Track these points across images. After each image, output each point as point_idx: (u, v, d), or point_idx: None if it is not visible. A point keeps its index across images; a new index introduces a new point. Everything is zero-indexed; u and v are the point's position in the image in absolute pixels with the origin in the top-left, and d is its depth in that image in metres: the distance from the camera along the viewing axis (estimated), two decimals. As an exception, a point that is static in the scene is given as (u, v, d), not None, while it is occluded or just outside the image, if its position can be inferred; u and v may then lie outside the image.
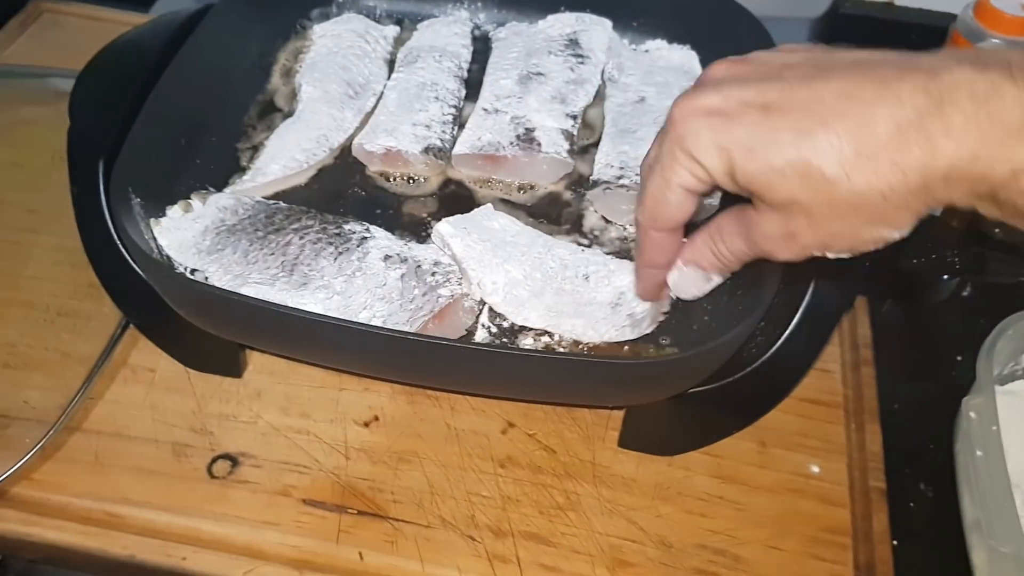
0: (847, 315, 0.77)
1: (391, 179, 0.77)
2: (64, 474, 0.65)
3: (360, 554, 0.62)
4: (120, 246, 0.66)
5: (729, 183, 0.49)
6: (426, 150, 0.75)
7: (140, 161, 0.68)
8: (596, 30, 0.86)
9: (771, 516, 0.66)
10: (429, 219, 0.74)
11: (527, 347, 0.65)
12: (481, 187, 0.77)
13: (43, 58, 1.00)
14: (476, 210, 0.72)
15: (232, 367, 0.71)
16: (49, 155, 0.86)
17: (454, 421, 0.69)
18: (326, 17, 0.89)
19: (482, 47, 0.88)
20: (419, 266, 0.67)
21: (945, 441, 0.76)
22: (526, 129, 0.77)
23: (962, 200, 0.45)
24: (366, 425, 0.69)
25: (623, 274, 0.67)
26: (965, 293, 0.84)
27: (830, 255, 0.50)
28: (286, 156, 0.75)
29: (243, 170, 0.75)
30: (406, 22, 0.90)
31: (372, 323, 0.63)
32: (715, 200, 0.67)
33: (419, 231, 0.72)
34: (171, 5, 1.18)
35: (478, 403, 0.71)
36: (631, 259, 0.69)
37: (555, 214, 0.74)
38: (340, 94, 0.80)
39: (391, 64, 0.85)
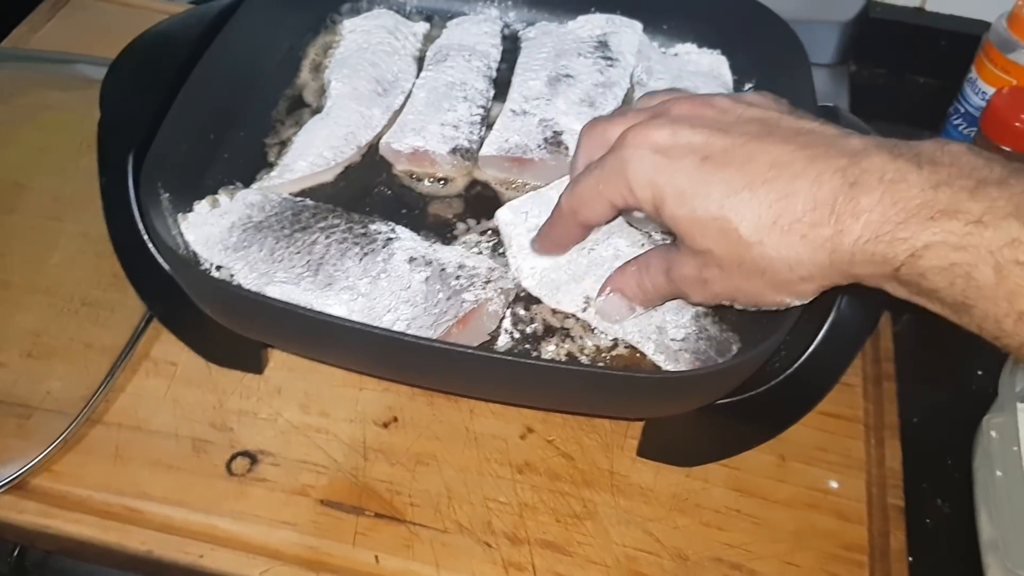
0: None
1: (417, 178, 0.77)
2: (84, 466, 0.66)
3: (376, 557, 0.62)
4: (147, 240, 0.66)
5: (656, 217, 0.52)
6: (454, 151, 0.75)
7: (170, 155, 0.68)
8: (626, 32, 0.86)
9: (788, 531, 0.66)
10: (455, 220, 0.74)
11: (548, 354, 0.65)
12: (507, 189, 0.76)
13: (73, 42, 1.00)
14: (558, 181, 0.72)
15: (253, 363, 0.72)
16: (77, 142, 0.86)
17: (473, 424, 0.69)
18: (356, 12, 0.89)
19: (511, 46, 0.87)
20: (443, 269, 0.67)
21: (964, 456, 0.76)
22: (554, 132, 0.76)
23: (868, 279, 0.48)
24: (385, 426, 0.69)
25: None
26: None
27: (737, 306, 0.54)
28: (314, 153, 0.75)
29: (270, 166, 0.75)
30: (436, 19, 0.90)
31: (396, 326, 0.63)
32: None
33: (444, 232, 0.72)
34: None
35: (497, 407, 0.71)
36: None
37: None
38: (369, 91, 0.80)
39: (420, 61, 0.85)
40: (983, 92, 0.94)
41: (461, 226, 0.73)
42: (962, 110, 0.97)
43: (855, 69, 1.19)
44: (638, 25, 0.86)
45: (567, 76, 0.81)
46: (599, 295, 0.63)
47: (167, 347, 0.73)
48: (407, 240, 0.69)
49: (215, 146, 0.75)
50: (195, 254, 0.68)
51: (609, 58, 0.83)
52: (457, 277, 0.66)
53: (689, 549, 0.64)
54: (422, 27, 0.88)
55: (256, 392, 0.71)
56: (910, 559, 0.66)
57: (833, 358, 0.64)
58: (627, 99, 0.82)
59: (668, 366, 0.64)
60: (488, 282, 0.66)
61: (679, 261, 0.54)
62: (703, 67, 0.85)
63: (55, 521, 0.63)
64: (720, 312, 0.67)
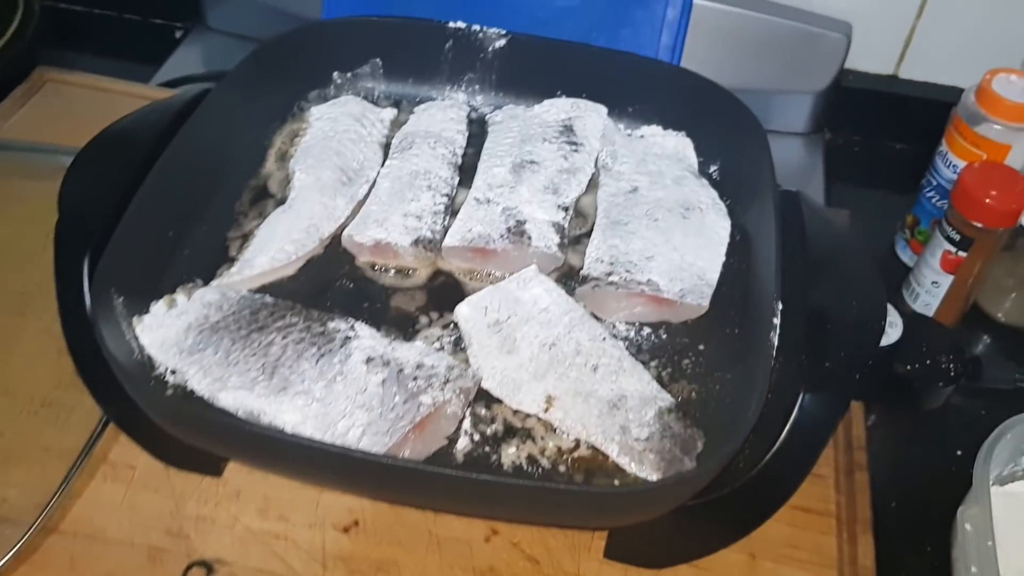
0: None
1: (381, 270, 0.76)
2: (38, 579, 0.64)
3: (333, 672, 0.61)
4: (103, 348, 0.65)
5: None
6: (416, 242, 0.75)
7: (125, 259, 0.67)
8: (591, 116, 0.86)
9: (760, 634, 0.64)
10: (417, 313, 0.73)
11: (509, 457, 0.64)
12: (471, 279, 0.76)
13: (46, 129, 1.00)
14: (518, 273, 0.72)
15: (211, 465, 0.71)
16: (43, 234, 0.85)
17: (436, 527, 0.68)
18: (324, 99, 0.89)
19: (478, 130, 0.87)
20: (401, 370, 0.66)
21: (944, 543, 0.74)
22: (517, 221, 0.76)
23: None
24: (345, 531, 0.67)
25: (632, 377, 0.66)
26: (958, 401, 0.83)
27: None
28: (275, 247, 0.74)
29: (231, 261, 0.75)
30: (404, 104, 0.90)
31: (350, 433, 0.62)
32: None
33: (406, 327, 0.72)
34: (174, 71, 1.21)
35: (461, 507, 0.69)
36: (653, 362, 0.70)
37: (545, 310, 0.73)
38: (333, 181, 0.79)
39: (387, 148, 0.85)
40: (954, 165, 0.93)
41: (423, 319, 0.73)
42: (934, 183, 0.96)
43: (830, 136, 1.19)
44: (603, 109, 0.86)
45: (532, 162, 0.81)
46: None
47: (125, 449, 0.72)
48: (366, 339, 0.68)
49: (175, 243, 0.74)
50: (150, 358, 0.67)
51: (574, 143, 0.83)
52: (415, 378, 0.65)
53: (657, 655, 0.63)
54: (389, 113, 0.88)
55: (214, 496, 0.69)
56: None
57: (800, 454, 0.63)
58: (592, 183, 0.82)
59: (632, 468, 0.63)
60: (447, 382, 0.65)
61: None
62: (668, 149, 0.85)
63: (6, 638, 0.62)
64: (684, 408, 0.66)
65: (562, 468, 0.64)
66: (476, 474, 0.58)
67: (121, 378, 0.61)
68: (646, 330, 0.72)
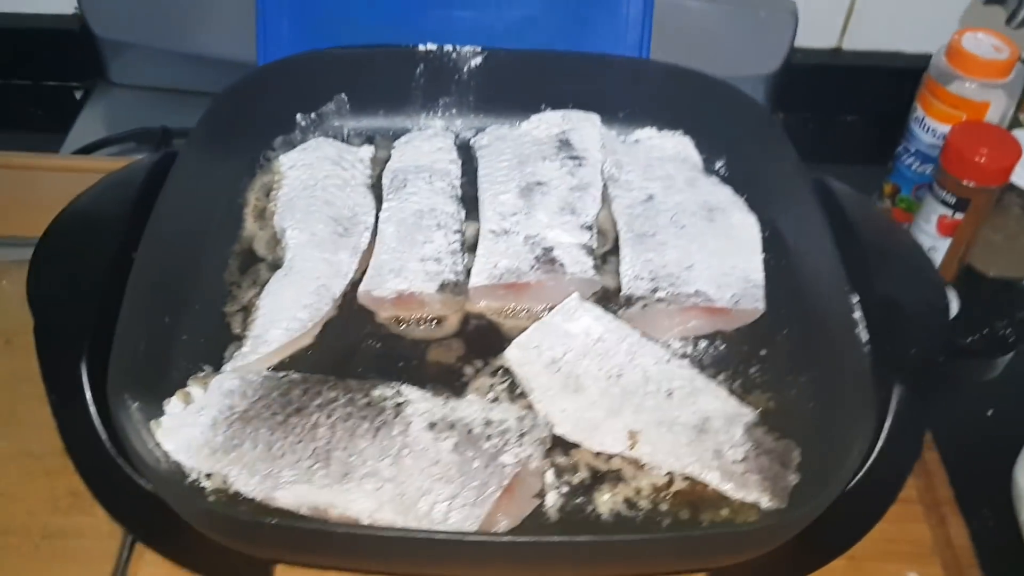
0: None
1: (405, 323, 0.69)
2: None
3: None
4: (120, 463, 0.56)
5: None
6: (442, 287, 0.68)
7: (132, 358, 0.59)
8: (585, 127, 0.81)
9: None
10: (459, 364, 0.67)
11: (604, 505, 0.59)
12: (506, 318, 0.70)
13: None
14: (561, 305, 0.67)
15: (260, 572, 0.62)
16: (-8, 340, 0.75)
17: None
18: (291, 145, 0.81)
19: (465, 156, 0.81)
20: (470, 431, 0.59)
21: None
22: (543, 249, 0.71)
23: None
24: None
25: (709, 396, 0.62)
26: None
27: None
28: (286, 317, 0.66)
29: (238, 339, 0.67)
30: (378, 139, 0.83)
31: (435, 511, 0.55)
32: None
33: (453, 381, 0.65)
34: (85, 135, 1.09)
35: None
36: (720, 375, 0.66)
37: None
38: (329, 233, 0.72)
39: (374, 189, 0.78)
40: (933, 129, 0.93)
41: (468, 370, 0.66)
42: (912, 149, 0.96)
43: (783, 117, 1.18)
44: (596, 117, 0.82)
45: (538, 184, 0.76)
46: None
47: (155, 570, 0.62)
48: (419, 402, 0.61)
49: (172, 330, 0.66)
50: (178, 465, 0.59)
51: (576, 157, 0.78)
52: (488, 437, 0.59)
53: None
54: (367, 151, 0.81)
55: (270, 605, 0.61)
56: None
57: (902, 452, 0.60)
58: (603, 198, 0.77)
59: (739, 494, 0.59)
60: (523, 435, 0.59)
61: None
62: (669, 151, 0.82)
63: None
64: (767, 421, 0.63)
65: (664, 507, 0.59)
66: (626, 536, 0.53)
67: (169, 494, 0.52)
68: (702, 343, 0.68)
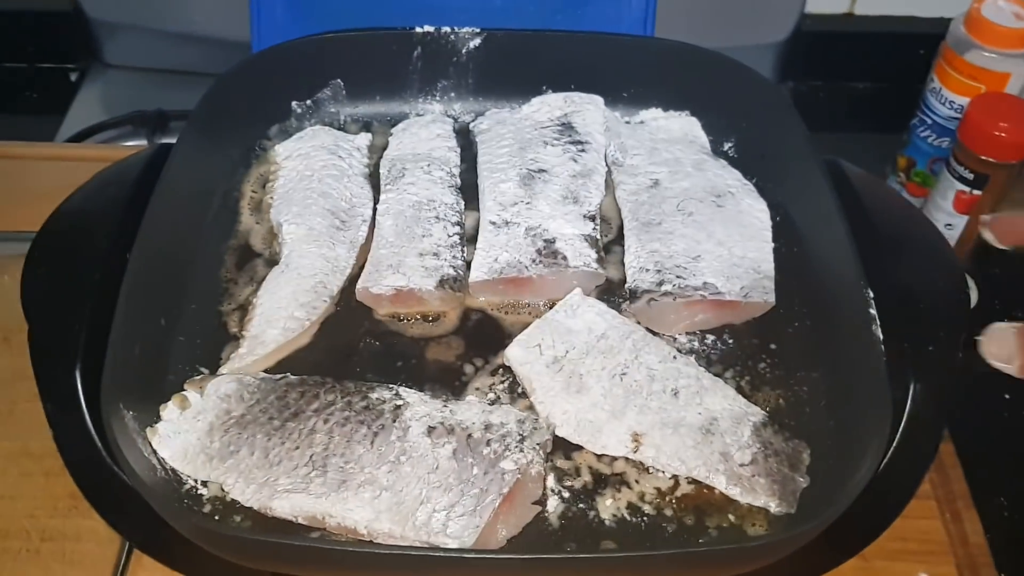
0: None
1: (405, 320, 0.68)
2: None
3: None
4: (115, 468, 0.56)
5: None
6: (441, 283, 0.67)
7: (127, 365, 0.58)
8: (588, 109, 0.79)
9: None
10: (459, 363, 0.65)
11: (607, 511, 0.57)
12: (507, 313, 0.68)
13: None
14: (563, 300, 0.65)
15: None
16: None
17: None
18: (286, 134, 0.79)
19: (464, 142, 0.79)
20: (470, 435, 0.58)
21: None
22: (545, 241, 0.69)
23: None
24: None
25: (716, 395, 0.60)
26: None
27: None
28: (283, 316, 0.65)
29: (235, 339, 0.65)
30: (375, 125, 0.81)
31: (434, 520, 0.54)
32: None
33: (452, 381, 0.64)
34: (81, 119, 1.07)
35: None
36: (728, 372, 0.64)
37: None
38: (327, 227, 0.70)
39: (372, 178, 0.76)
40: (950, 101, 0.90)
41: (468, 368, 0.65)
42: (928, 121, 0.93)
43: (793, 85, 1.15)
44: (599, 99, 0.79)
45: (540, 171, 0.74)
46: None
47: (154, 574, 0.62)
48: (417, 405, 0.60)
49: (167, 333, 0.64)
50: (174, 472, 0.58)
51: (579, 142, 0.76)
52: (488, 442, 0.58)
53: None
54: (364, 139, 0.79)
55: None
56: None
57: (919, 451, 0.58)
58: (607, 184, 0.75)
59: (746, 498, 0.57)
60: (523, 439, 0.58)
61: None
62: (675, 132, 0.79)
63: None
64: (777, 418, 0.61)
65: (668, 512, 0.58)
66: (624, 553, 0.52)
67: (161, 510, 0.52)
68: (710, 338, 0.66)
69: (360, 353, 0.66)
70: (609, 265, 0.71)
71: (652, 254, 0.68)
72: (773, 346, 0.66)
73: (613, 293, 0.69)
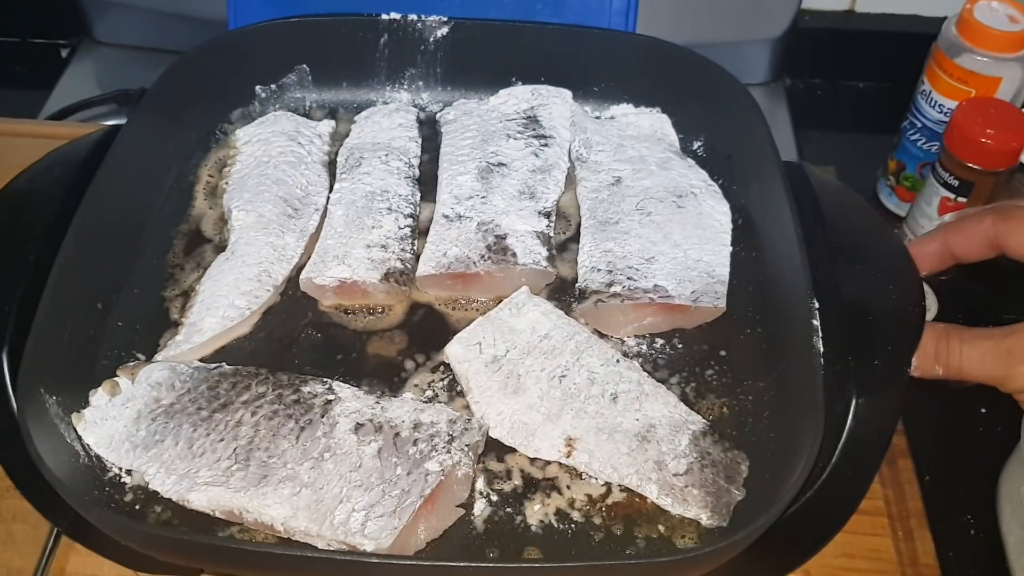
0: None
1: (349, 312, 0.66)
2: None
3: None
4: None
5: None
6: (386, 276, 0.65)
7: (51, 349, 0.57)
8: (556, 103, 0.77)
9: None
10: (400, 358, 0.64)
11: (535, 516, 0.56)
12: (454, 309, 0.67)
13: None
14: (509, 299, 0.64)
15: (189, 568, 0.61)
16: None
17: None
18: (249, 118, 0.78)
19: (430, 132, 0.78)
20: (398, 434, 0.57)
21: (985, 513, 0.69)
22: (496, 237, 0.67)
23: None
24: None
25: (656, 402, 0.59)
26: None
27: None
28: (224, 304, 0.64)
29: (175, 325, 0.64)
30: (341, 112, 0.80)
31: (352, 520, 0.53)
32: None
33: (391, 376, 0.63)
34: (67, 96, 1.07)
35: None
36: (673, 378, 0.63)
37: (542, 334, 0.65)
38: (278, 215, 0.69)
39: (331, 167, 0.75)
40: (940, 104, 0.87)
41: (409, 364, 0.64)
42: (919, 124, 0.90)
43: (789, 83, 1.12)
44: (567, 93, 0.77)
45: (499, 165, 0.72)
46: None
47: (86, 559, 0.62)
48: (349, 400, 0.59)
49: (104, 316, 0.64)
50: (99, 459, 0.57)
51: (542, 136, 0.74)
52: (415, 442, 0.56)
53: None
54: (327, 126, 0.77)
55: (198, 600, 0.60)
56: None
57: (859, 467, 0.56)
58: (568, 178, 0.73)
59: (677, 509, 0.55)
60: (452, 440, 0.56)
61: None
62: (644, 129, 0.77)
63: None
64: (719, 428, 0.59)
65: (597, 520, 0.56)
66: (530, 564, 0.50)
67: (70, 500, 0.51)
68: (659, 342, 0.65)
69: (300, 344, 0.65)
70: (564, 263, 0.69)
71: (605, 254, 0.66)
72: (723, 353, 0.64)
73: (565, 292, 0.68)
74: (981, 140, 0.79)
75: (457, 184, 0.71)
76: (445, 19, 0.77)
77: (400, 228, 0.68)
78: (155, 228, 0.70)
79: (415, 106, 0.79)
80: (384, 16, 0.77)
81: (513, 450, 0.59)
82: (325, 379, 0.60)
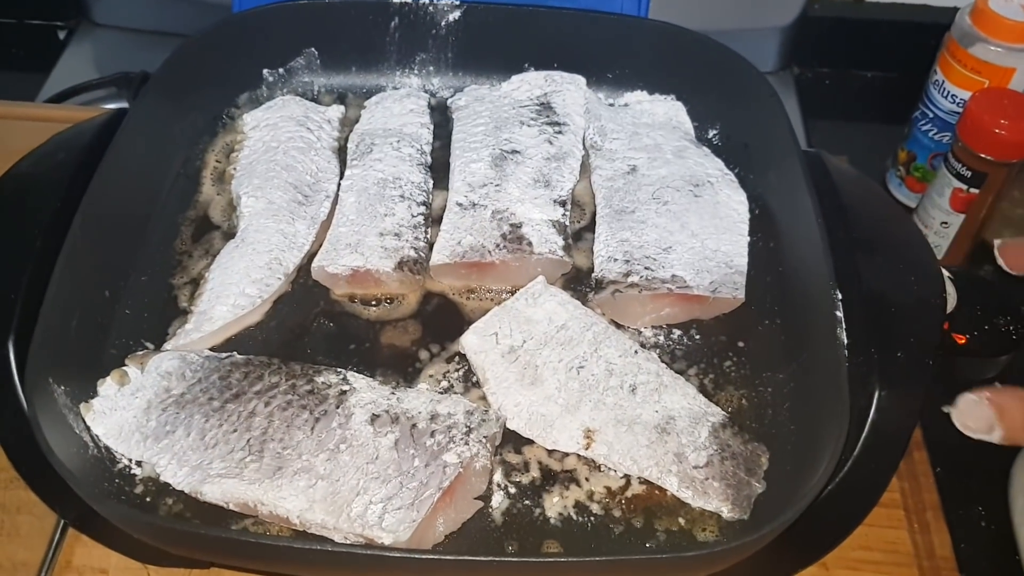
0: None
1: (362, 301, 0.65)
2: None
3: None
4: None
5: None
6: (400, 265, 0.64)
7: (59, 338, 0.56)
8: (569, 90, 0.76)
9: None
10: (414, 348, 0.63)
11: (553, 508, 0.55)
12: (468, 298, 0.66)
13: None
14: (525, 288, 0.63)
15: (198, 561, 0.60)
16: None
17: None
18: (256, 102, 0.76)
19: (441, 118, 0.76)
20: (414, 425, 0.56)
21: (998, 505, 0.69)
22: (511, 226, 0.66)
23: None
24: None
25: (675, 393, 0.58)
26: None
27: None
28: (234, 292, 0.63)
29: (184, 314, 0.63)
30: (350, 97, 0.78)
31: (369, 512, 0.52)
32: None
33: (405, 367, 0.62)
34: (65, 79, 1.05)
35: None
36: (692, 369, 0.62)
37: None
38: (287, 202, 0.68)
39: (341, 152, 0.73)
40: (952, 95, 0.86)
41: (423, 355, 0.63)
42: (930, 114, 0.89)
43: (798, 72, 1.11)
44: (581, 80, 0.76)
45: (513, 152, 0.71)
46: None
47: (92, 551, 0.60)
48: (364, 391, 0.58)
49: (112, 305, 0.62)
50: (108, 450, 0.56)
51: (556, 123, 0.73)
52: (432, 433, 0.55)
53: None
54: (336, 111, 0.76)
55: (206, 593, 0.59)
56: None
57: (881, 460, 0.56)
58: (583, 166, 0.72)
59: (697, 502, 0.55)
60: (469, 431, 0.56)
61: None
62: (659, 117, 0.76)
63: None
64: (737, 420, 0.58)
65: (617, 512, 0.55)
66: (549, 559, 0.50)
67: (81, 493, 0.50)
68: (676, 332, 0.64)
69: (312, 334, 0.63)
70: (579, 253, 0.68)
71: (622, 243, 0.66)
72: (741, 344, 0.63)
73: (580, 282, 0.67)
74: (995, 131, 0.78)
75: (470, 171, 0.70)
76: (458, 3, 0.75)
77: (413, 216, 0.67)
78: (162, 214, 0.69)
79: (425, 91, 0.78)
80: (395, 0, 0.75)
81: (530, 442, 0.58)
82: (339, 369, 0.59)
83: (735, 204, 0.68)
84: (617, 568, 0.48)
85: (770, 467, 0.57)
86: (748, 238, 0.67)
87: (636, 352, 0.61)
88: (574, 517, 0.55)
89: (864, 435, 0.54)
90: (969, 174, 0.81)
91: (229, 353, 0.60)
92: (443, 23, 0.76)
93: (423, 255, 0.65)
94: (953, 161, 0.82)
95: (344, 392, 0.58)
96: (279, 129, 0.73)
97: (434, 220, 0.69)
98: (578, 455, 0.57)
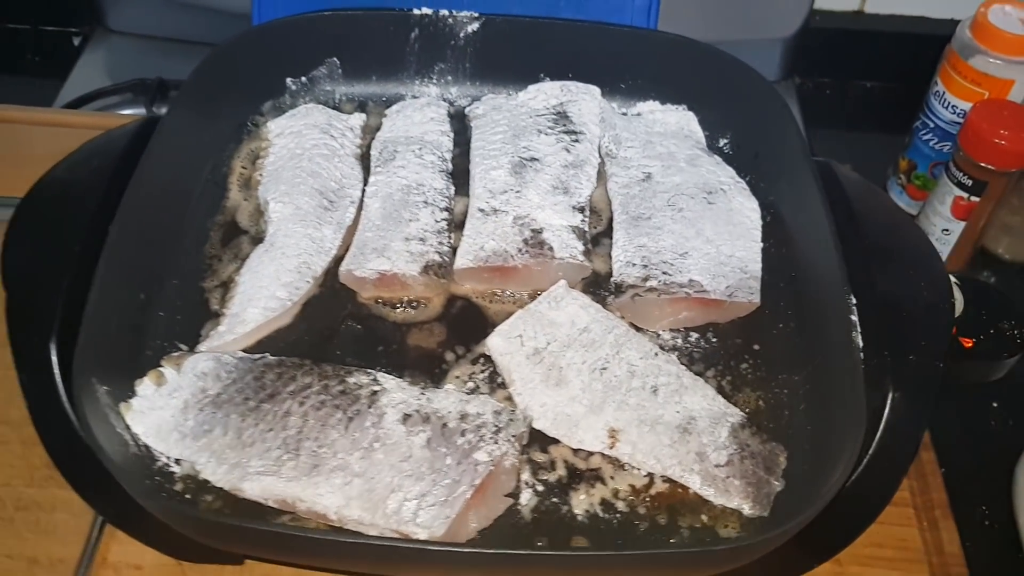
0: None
1: (388, 304, 0.67)
2: None
3: None
4: (89, 443, 0.55)
5: None
6: (425, 269, 0.66)
7: (101, 339, 0.57)
8: (585, 99, 0.78)
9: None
10: (440, 350, 0.65)
11: (580, 506, 0.57)
12: (491, 302, 0.68)
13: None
14: (547, 292, 0.65)
15: (231, 556, 0.62)
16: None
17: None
18: (279, 110, 0.78)
19: (459, 126, 0.78)
20: (445, 424, 0.58)
21: (1000, 505, 0.71)
22: (532, 231, 0.68)
23: None
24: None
25: (695, 394, 0.60)
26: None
27: None
28: (265, 295, 0.65)
29: (216, 316, 0.65)
30: (370, 105, 0.80)
31: (404, 509, 0.54)
32: None
33: (432, 368, 0.64)
34: (80, 85, 1.07)
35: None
36: (709, 371, 0.64)
37: (579, 328, 0.66)
38: (314, 207, 0.70)
39: (363, 160, 0.75)
40: (953, 106, 0.89)
41: (449, 356, 0.65)
42: (931, 124, 0.92)
43: (800, 82, 1.14)
44: (596, 90, 0.78)
45: (532, 160, 0.73)
46: None
47: (127, 547, 0.62)
48: (395, 391, 0.60)
49: (147, 307, 0.64)
50: (147, 448, 0.58)
51: (573, 132, 0.75)
52: (463, 432, 0.57)
53: None
54: (358, 119, 0.78)
55: (240, 589, 0.61)
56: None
57: (893, 461, 0.58)
58: (598, 175, 0.74)
59: (719, 499, 0.57)
60: (498, 431, 0.58)
61: None
62: (671, 126, 0.78)
63: None
64: (755, 420, 0.61)
65: (642, 510, 0.57)
66: (585, 552, 0.52)
67: (130, 489, 0.51)
68: (693, 335, 0.66)
69: (341, 336, 0.65)
70: (597, 258, 0.70)
71: (639, 249, 0.68)
72: (756, 347, 0.65)
73: (599, 286, 0.69)
74: (995, 141, 0.81)
75: (491, 178, 0.72)
76: (476, 15, 0.77)
77: (437, 221, 0.69)
78: (192, 219, 0.70)
79: (444, 100, 0.80)
80: (416, 11, 0.77)
81: (556, 441, 0.60)
82: (369, 370, 0.61)
83: (748, 211, 0.71)
84: (648, 562, 0.50)
85: (787, 466, 0.59)
86: (761, 244, 0.69)
87: (656, 354, 0.63)
88: (600, 514, 0.57)
89: (878, 435, 0.56)
90: (970, 183, 0.84)
91: (262, 355, 0.62)
92: (462, 34, 0.78)
93: (447, 259, 0.67)
94: (954, 170, 0.85)
95: (375, 392, 0.60)
96: (303, 136, 0.75)
97: (456, 226, 0.71)
98: (603, 454, 0.59)
